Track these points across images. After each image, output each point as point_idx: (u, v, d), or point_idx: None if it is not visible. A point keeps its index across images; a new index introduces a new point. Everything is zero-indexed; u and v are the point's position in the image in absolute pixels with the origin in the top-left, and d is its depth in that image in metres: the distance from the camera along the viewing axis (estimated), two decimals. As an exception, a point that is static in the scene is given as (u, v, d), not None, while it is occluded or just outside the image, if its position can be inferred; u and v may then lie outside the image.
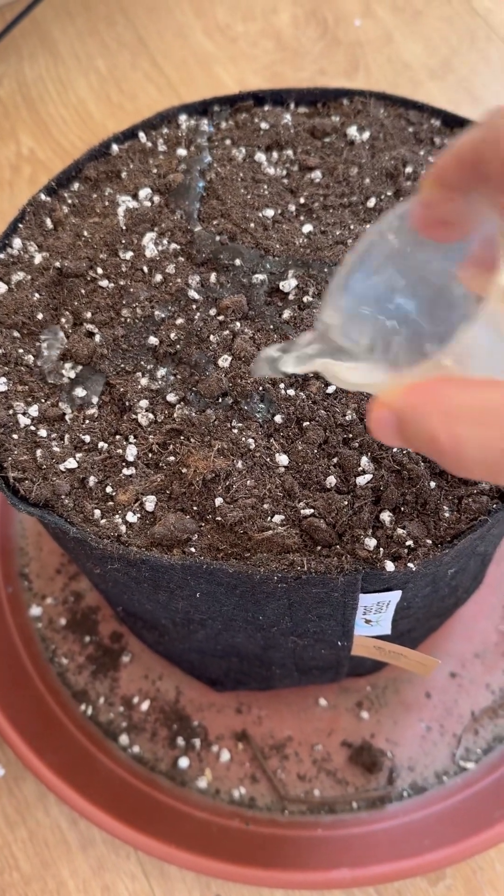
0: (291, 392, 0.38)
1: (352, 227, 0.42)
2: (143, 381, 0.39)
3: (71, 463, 0.37)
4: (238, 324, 0.39)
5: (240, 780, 0.53)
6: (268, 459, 0.37)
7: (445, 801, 0.52)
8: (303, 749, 0.54)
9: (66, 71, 0.82)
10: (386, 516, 0.35)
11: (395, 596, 0.37)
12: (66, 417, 0.39)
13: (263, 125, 0.47)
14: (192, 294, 0.40)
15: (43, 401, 0.39)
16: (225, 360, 0.38)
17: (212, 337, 0.39)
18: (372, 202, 0.44)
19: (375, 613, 0.38)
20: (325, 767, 0.53)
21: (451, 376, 0.23)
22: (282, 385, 0.38)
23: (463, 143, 0.25)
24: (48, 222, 0.45)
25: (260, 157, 0.46)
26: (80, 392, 0.39)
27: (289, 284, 0.40)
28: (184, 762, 0.54)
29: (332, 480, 0.36)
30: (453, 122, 0.47)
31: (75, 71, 0.82)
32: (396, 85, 0.78)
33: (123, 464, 0.38)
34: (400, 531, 0.35)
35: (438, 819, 0.51)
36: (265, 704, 0.55)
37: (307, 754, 0.54)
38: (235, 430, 0.37)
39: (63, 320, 0.41)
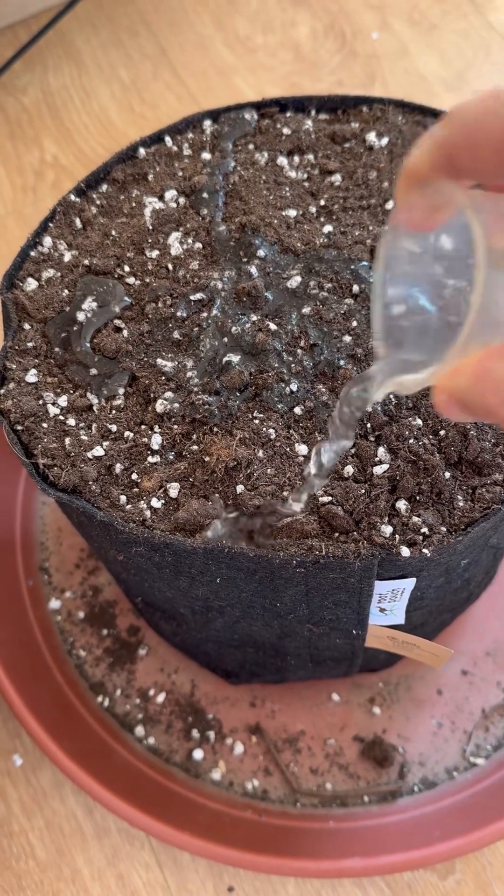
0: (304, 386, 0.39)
1: (370, 227, 0.44)
2: (168, 374, 0.40)
3: (98, 451, 0.39)
4: (261, 319, 0.41)
5: (253, 772, 0.54)
6: (287, 449, 0.38)
7: (455, 796, 0.52)
8: (315, 743, 0.55)
9: (89, 80, 0.84)
10: (402, 505, 0.37)
11: (410, 584, 0.38)
12: (94, 408, 0.40)
13: (286, 131, 0.48)
14: (216, 291, 0.42)
15: (71, 392, 0.41)
16: (247, 354, 0.40)
17: (234, 330, 0.40)
18: (390, 205, 0.45)
19: (390, 602, 0.39)
20: (337, 761, 0.54)
21: (490, 349, 0.25)
22: (294, 383, 0.39)
23: (432, 144, 0.26)
24: (77, 222, 0.46)
25: (282, 161, 0.47)
26: (107, 384, 0.41)
27: (308, 281, 0.41)
28: (198, 754, 0.54)
29: (349, 469, 0.38)
30: (469, 130, 0.48)
31: (98, 80, 0.84)
32: (412, 96, 0.79)
33: (148, 452, 0.39)
34: (415, 519, 0.36)
35: (448, 813, 0.51)
36: (279, 699, 0.56)
37: (320, 748, 0.55)
38: (257, 421, 0.38)
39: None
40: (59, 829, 0.54)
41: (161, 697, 0.57)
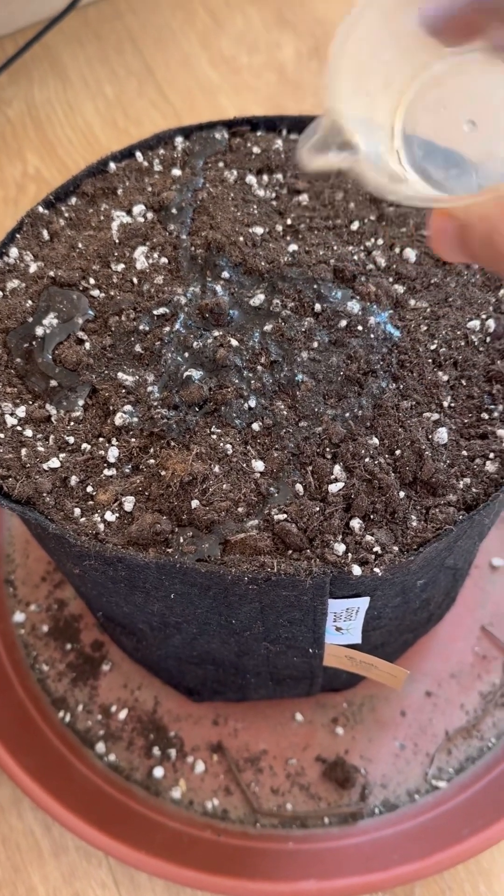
0: (266, 402, 0.39)
1: (335, 247, 0.44)
2: (128, 387, 0.40)
3: (54, 462, 0.39)
4: (223, 335, 0.41)
5: (213, 791, 0.54)
6: (244, 465, 0.38)
7: (416, 819, 0.52)
8: (277, 763, 0.54)
9: (74, 95, 0.84)
10: (356, 523, 0.37)
11: (364, 602, 0.38)
12: (52, 419, 0.40)
13: (256, 149, 0.49)
14: (179, 306, 0.42)
15: (30, 403, 0.41)
16: (208, 369, 0.40)
17: (195, 345, 0.40)
18: (355, 225, 0.45)
19: (345, 621, 0.39)
20: (298, 782, 0.54)
21: None
22: (252, 399, 0.39)
23: None
24: (45, 234, 0.46)
25: (251, 179, 0.47)
26: (67, 396, 0.41)
27: (271, 299, 0.41)
28: (159, 772, 0.54)
29: (300, 489, 0.37)
30: (439, 153, 0.49)
31: (83, 95, 0.84)
32: (394, 119, 0.80)
33: (105, 465, 0.39)
34: (368, 538, 0.36)
35: (408, 836, 0.51)
36: (242, 717, 0.56)
37: (281, 768, 0.54)
38: (214, 436, 0.38)
39: None
40: (15, 846, 0.53)
41: (123, 714, 0.56)
